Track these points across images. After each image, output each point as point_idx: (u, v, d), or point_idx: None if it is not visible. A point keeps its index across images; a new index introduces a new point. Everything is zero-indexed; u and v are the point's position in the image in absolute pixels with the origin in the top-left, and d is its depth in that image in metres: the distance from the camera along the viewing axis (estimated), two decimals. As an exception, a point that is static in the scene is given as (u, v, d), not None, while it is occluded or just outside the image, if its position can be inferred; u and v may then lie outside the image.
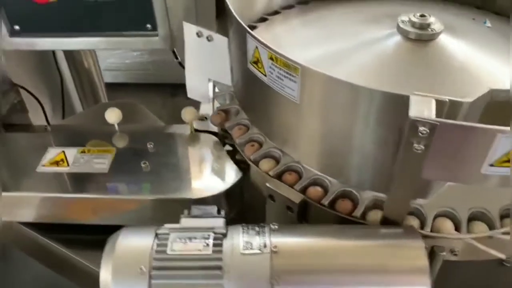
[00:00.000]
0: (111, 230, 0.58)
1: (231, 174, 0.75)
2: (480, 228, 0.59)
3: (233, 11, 0.66)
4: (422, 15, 0.71)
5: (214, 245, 0.53)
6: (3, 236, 0.86)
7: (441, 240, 0.58)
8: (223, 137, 0.82)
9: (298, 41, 0.79)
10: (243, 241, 0.53)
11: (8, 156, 0.83)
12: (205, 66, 0.79)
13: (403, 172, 0.51)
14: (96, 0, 0.80)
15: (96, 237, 0.75)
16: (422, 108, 0.47)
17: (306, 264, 0.52)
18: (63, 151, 0.81)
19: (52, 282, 0.87)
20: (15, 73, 0.92)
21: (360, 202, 0.62)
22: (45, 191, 0.75)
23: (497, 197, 0.60)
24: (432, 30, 0.70)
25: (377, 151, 0.58)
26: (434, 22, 0.71)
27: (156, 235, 0.54)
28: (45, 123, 0.96)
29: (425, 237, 0.55)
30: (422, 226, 0.59)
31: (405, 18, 0.72)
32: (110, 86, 1.51)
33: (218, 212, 0.59)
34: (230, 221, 0.58)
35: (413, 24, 0.71)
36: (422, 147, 0.47)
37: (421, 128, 0.46)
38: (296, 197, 0.63)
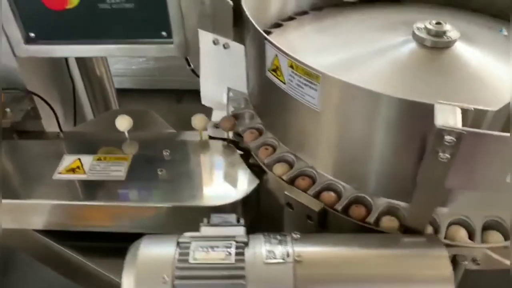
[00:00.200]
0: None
1: (248, 181, 0.75)
2: (496, 238, 0.58)
3: (251, 19, 0.66)
4: (438, 23, 0.70)
5: (237, 254, 0.53)
6: (17, 243, 0.86)
7: (456, 248, 0.57)
8: (235, 142, 0.82)
9: (312, 47, 0.78)
10: (265, 250, 0.53)
11: (23, 163, 0.83)
12: (221, 73, 0.80)
13: (427, 181, 0.51)
14: (112, 8, 0.80)
15: (111, 244, 0.75)
16: (447, 116, 0.46)
17: (330, 273, 0.52)
18: (79, 158, 0.81)
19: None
20: (29, 80, 0.92)
21: (374, 208, 0.62)
22: (62, 199, 0.74)
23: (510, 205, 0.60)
24: (447, 38, 0.70)
25: (395, 159, 0.58)
26: (450, 29, 0.70)
27: (178, 243, 0.54)
28: (58, 130, 0.96)
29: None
30: (436, 234, 0.59)
31: (421, 25, 0.71)
32: (116, 92, 1.50)
33: (238, 220, 0.59)
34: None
35: (428, 32, 0.70)
36: (448, 156, 0.47)
37: (447, 137, 0.45)
38: (316, 205, 0.63)
